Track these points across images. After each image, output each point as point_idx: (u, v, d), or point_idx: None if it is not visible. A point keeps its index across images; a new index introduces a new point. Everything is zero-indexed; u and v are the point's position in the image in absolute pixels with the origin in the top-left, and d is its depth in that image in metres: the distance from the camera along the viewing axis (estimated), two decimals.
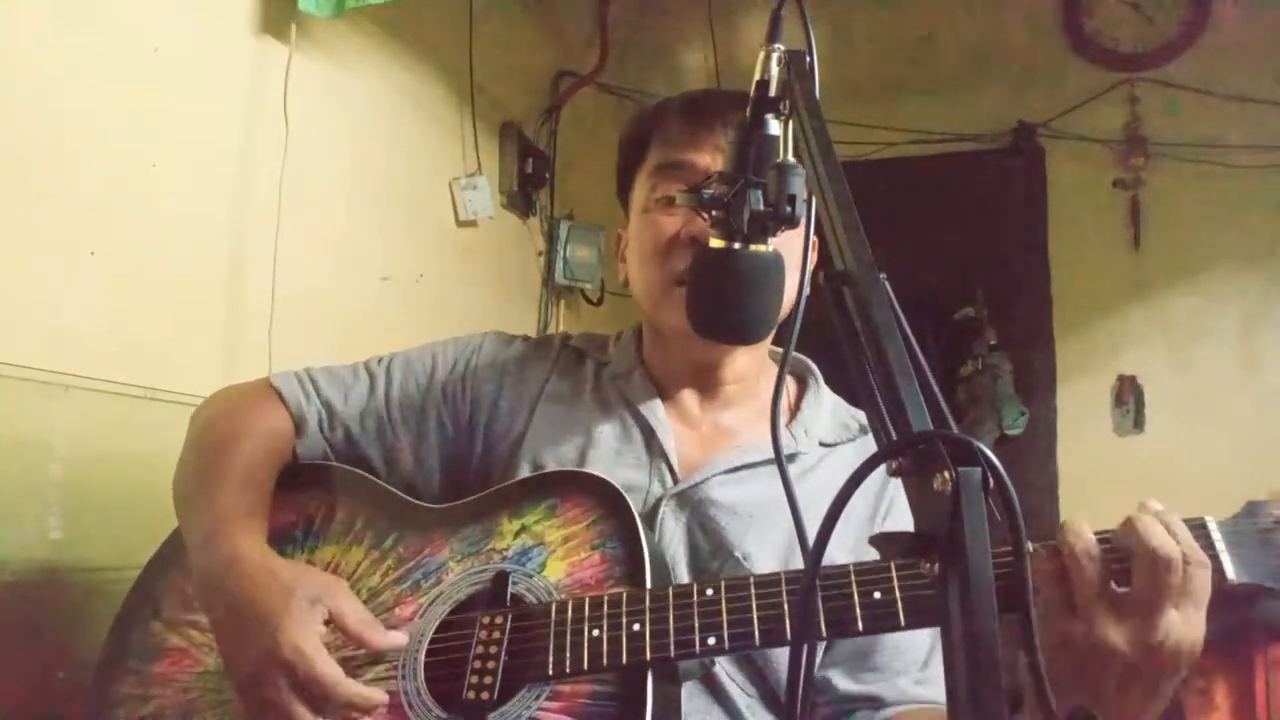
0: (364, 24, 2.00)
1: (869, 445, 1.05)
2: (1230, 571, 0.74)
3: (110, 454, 1.37)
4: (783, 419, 1.05)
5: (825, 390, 1.12)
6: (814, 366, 1.13)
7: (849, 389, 1.05)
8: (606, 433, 1.05)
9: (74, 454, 1.30)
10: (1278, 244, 2.93)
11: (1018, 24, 3.17)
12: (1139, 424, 3.00)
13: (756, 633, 0.78)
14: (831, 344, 0.63)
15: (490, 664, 0.83)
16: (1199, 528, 0.76)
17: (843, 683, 0.98)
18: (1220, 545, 0.75)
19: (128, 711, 0.94)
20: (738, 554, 0.97)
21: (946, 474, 0.48)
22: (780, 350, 1.07)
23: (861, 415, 1.10)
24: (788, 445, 1.03)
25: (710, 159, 1.01)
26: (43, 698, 1.20)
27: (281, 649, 0.81)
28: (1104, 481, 2.94)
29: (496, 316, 2.61)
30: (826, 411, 1.10)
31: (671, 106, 1.08)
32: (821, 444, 1.07)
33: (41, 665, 1.22)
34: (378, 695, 0.84)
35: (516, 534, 0.93)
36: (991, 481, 0.48)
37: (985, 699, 0.44)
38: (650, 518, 0.99)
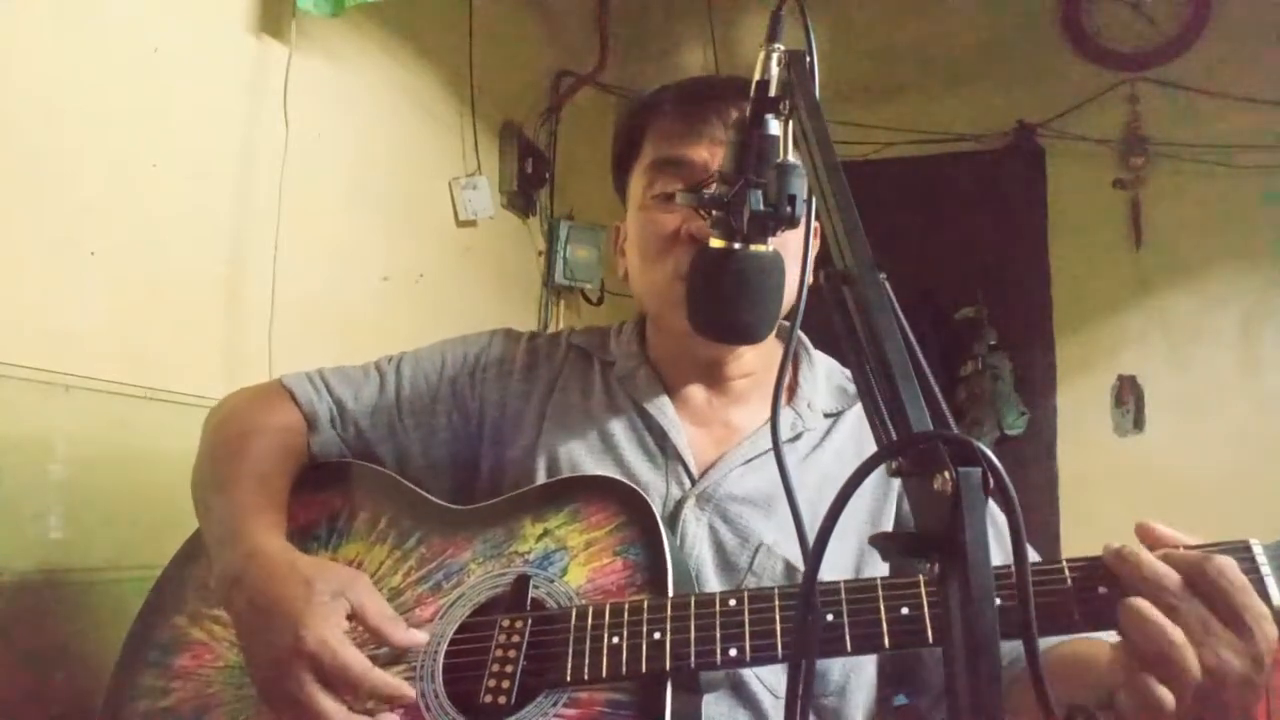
0: (364, 23, 2.00)
1: None
2: (1277, 597, 0.70)
3: (110, 454, 1.37)
4: (782, 399, 1.04)
5: (818, 357, 1.12)
6: (803, 336, 1.12)
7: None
8: (620, 436, 1.04)
9: (74, 454, 1.30)
10: (1278, 244, 2.93)
11: (1018, 24, 3.17)
12: (1139, 424, 3.00)
13: (780, 645, 0.77)
14: (833, 342, 0.63)
15: (508, 668, 0.82)
16: (1243, 550, 0.72)
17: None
18: (1266, 569, 0.71)
19: (149, 703, 0.94)
20: (767, 542, 0.97)
21: (947, 474, 0.47)
22: (786, 325, 1.06)
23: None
24: (793, 426, 1.03)
25: (707, 154, 1.01)
26: (43, 698, 1.20)
27: (305, 642, 0.79)
28: (1104, 481, 2.94)
29: (496, 316, 2.60)
30: (822, 379, 1.09)
31: (665, 98, 1.06)
32: (825, 414, 1.07)
33: (41, 665, 1.22)
34: (406, 687, 0.83)
35: (539, 538, 0.93)
36: (992, 481, 0.48)
37: (986, 700, 0.44)
38: (672, 519, 0.98)
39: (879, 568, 0.99)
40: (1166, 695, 0.67)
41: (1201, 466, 2.81)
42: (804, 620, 0.54)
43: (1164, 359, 3.01)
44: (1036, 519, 2.89)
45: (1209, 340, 2.97)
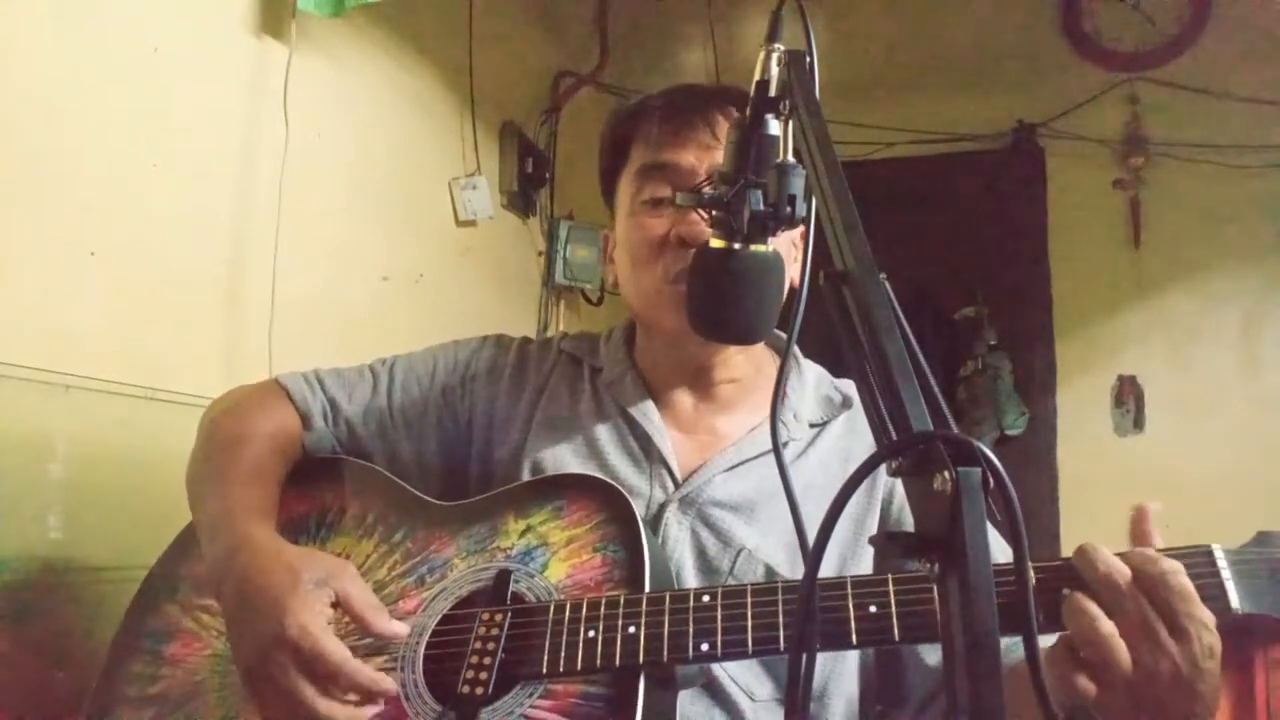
0: (364, 23, 2.00)
1: (855, 417, 1.07)
2: (1235, 601, 0.72)
3: (110, 454, 1.37)
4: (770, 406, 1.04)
5: (807, 366, 1.12)
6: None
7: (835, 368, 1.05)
8: (605, 440, 1.05)
9: (74, 454, 1.30)
10: (1278, 244, 2.93)
11: (1018, 24, 3.17)
12: (1139, 424, 3.00)
13: (750, 640, 0.78)
14: (832, 342, 0.63)
15: (487, 660, 0.84)
16: (1204, 555, 0.74)
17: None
18: (1226, 573, 0.73)
19: (138, 689, 0.95)
20: (749, 547, 0.97)
21: (946, 474, 0.47)
22: (782, 335, 1.07)
23: (844, 384, 1.11)
24: (779, 435, 1.03)
25: (694, 158, 1.01)
26: (43, 696, 1.20)
27: (288, 629, 0.80)
28: (1104, 481, 2.94)
29: (496, 316, 2.61)
30: (810, 389, 1.10)
31: (651, 105, 1.07)
32: (810, 424, 1.07)
33: (41, 665, 1.22)
34: (385, 680, 0.84)
35: (521, 534, 0.94)
36: (991, 481, 0.48)
37: (986, 700, 0.44)
38: (654, 523, 0.99)
39: (863, 570, 1.00)
40: (1087, 685, 0.70)
41: (1201, 466, 2.81)
42: (804, 619, 0.55)
43: (1164, 359, 3.01)
44: (1036, 519, 2.89)
45: (1209, 340, 2.97)
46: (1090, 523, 2.87)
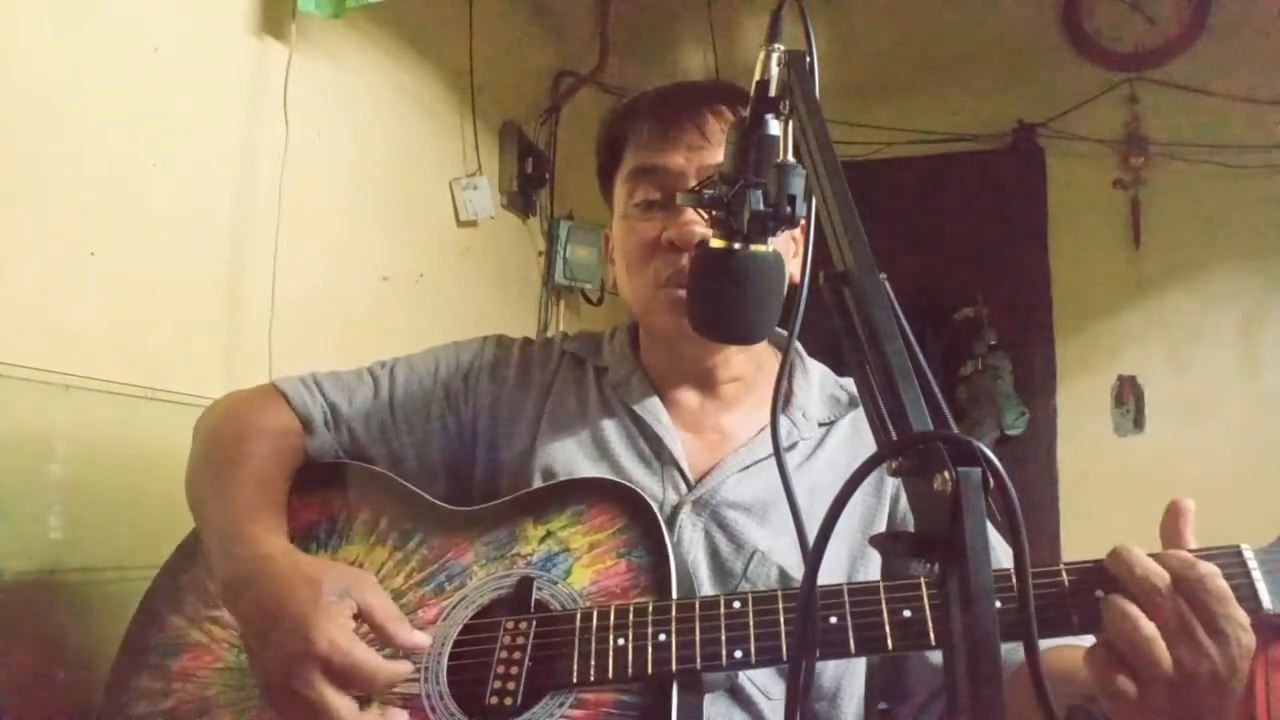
0: (364, 24, 2.00)
1: (861, 416, 1.06)
2: (1266, 600, 0.72)
3: (110, 454, 1.37)
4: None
5: (812, 365, 1.12)
6: (797, 343, 1.13)
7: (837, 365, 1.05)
8: (615, 441, 1.05)
9: (74, 454, 1.30)
10: (1278, 244, 2.93)
11: (1018, 24, 3.17)
12: (1139, 424, 3.00)
13: (784, 647, 0.78)
14: (833, 342, 0.63)
15: (514, 670, 0.83)
16: (1233, 555, 0.74)
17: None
18: (1256, 573, 0.73)
19: (148, 705, 0.93)
20: (762, 549, 0.97)
21: (947, 474, 0.47)
22: (783, 332, 1.07)
23: (849, 383, 1.10)
24: (788, 434, 1.03)
25: (684, 160, 1.01)
26: (43, 698, 1.20)
27: (315, 644, 0.79)
28: (1104, 481, 2.95)
29: (496, 316, 2.61)
30: (816, 388, 1.09)
31: (642, 107, 1.07)
32: (819, 424, 1.07)
33: (41, 665, 1.22)
34: (409, 669, 0.84)
35: (542, 539, 0.93)
36: (991, 481, 0.48)
37: (986, 700, 0.44)
38: (668, 525, 0.98)
39: (872, 571, 1.00)
40: (1129, 686, 0.70)
41: (1201, 466, 2.81)
42: (804, 622, 0.55)
43: (1164, 359, 3.01)
44: (1036, 519, 2.89)
45: (1209, 340, 2.97)
46: (1090, 523, 2.87)
